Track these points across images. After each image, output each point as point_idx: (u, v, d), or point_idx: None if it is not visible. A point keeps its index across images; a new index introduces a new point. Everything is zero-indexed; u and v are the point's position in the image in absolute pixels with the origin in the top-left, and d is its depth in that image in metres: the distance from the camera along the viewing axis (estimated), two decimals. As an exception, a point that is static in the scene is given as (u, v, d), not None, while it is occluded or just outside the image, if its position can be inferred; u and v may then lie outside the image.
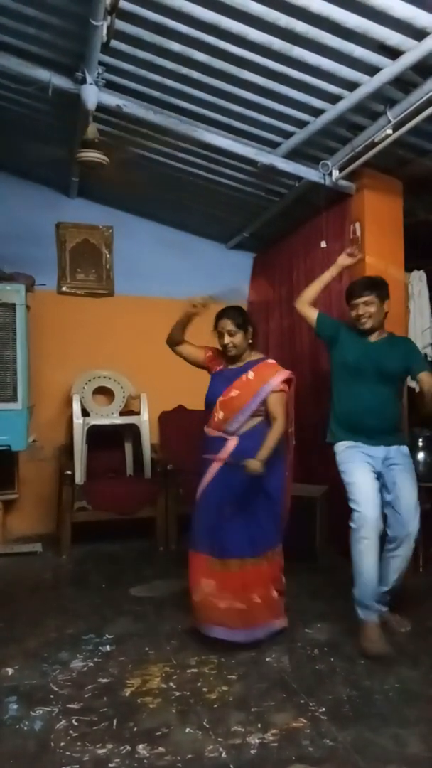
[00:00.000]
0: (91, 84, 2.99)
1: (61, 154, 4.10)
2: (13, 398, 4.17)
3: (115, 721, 2.21)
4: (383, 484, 2.97)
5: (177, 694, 2.41)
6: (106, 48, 2.78)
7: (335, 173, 3.59)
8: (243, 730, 2.15)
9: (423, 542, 3.92)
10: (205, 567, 2.89)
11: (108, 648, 2.83)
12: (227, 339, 3.02)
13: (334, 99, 3.04)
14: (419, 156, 3.54)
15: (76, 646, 2.84)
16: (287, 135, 3.48)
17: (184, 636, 2.95)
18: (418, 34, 2.50)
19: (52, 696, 2.39)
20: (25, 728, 2.17)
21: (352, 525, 2.83)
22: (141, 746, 2.05)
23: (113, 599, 3.45)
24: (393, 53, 2.63)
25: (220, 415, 3.02)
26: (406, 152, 3.50)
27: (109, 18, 2.49)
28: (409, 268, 4.16)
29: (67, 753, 2.02)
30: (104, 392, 4.95)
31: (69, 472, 4.30)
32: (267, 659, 2.70)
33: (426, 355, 4.33)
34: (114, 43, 2.78)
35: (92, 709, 2.30)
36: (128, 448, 4.95)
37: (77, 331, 5.00)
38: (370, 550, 2.79)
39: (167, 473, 4.48)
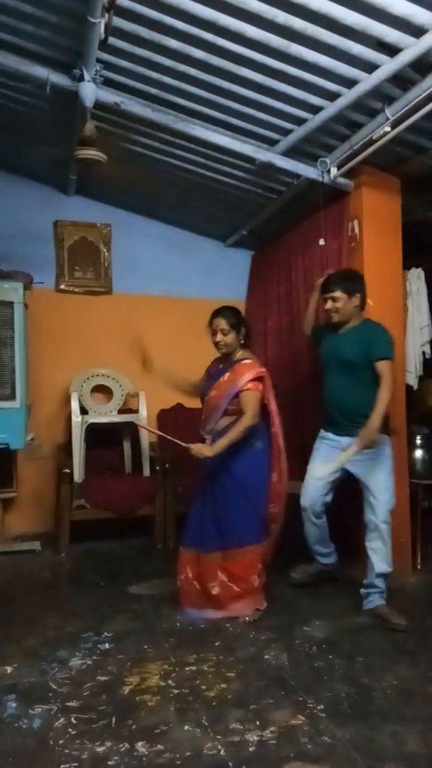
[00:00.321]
0: (89, 81, 2.99)
1: (59, 152, 4.09)
2: (12, 396, 4.16)
3: (113, 719, 2.21)
4: (353, 474, 3.16)
5: (175, 691, 2.41)
6: (103, 45, 2.77)
7: (333, 171, 3.58)
8: (241, 727, 2.15)
9: (420, 540, 3.94)
10: (188, 558, 3.25)
11: (107, 646, 2.83)
12: (219, 337, 3.20)
13: (333, 96, 3.03)
14: (417, 153, 3.54)
15: (75, 644, 2.84)
16: (285, 132, 3.47)
17: (182, 634, 2.95)
18: (417, 31, 2.49)
19: (50, 694, 2.39)
20: (24, 726, 2.17)
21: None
22: (140, 744, 2.05)
23: (112, 597, 3.45)
24: (391, 50, 2.63)
25: (203, 414, 3.29)
26: (405, 150, 3.50)
27: (106, 15, 2.49)
28: (407, 266, 4.15)
29: (66, 751, 2.02)
30: (103, 390, 4.94)
31: (67, 471, 4.30)
32: (265, 657, 2.71)
33: (424, 353, 4.35)
34: (112, 40, 2.77)
35: (91, 707, 2.30)
36: (127, 446, 4.94)
37: (75, 329, 4.99)
38: (306, 521, 3.36)
39: (166, 471, 4.48)
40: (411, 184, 3.86)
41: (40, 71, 3.01)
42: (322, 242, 3.91)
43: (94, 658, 2.71)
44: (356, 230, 3.78)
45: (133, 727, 2.16)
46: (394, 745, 2.05)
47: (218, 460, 3.06)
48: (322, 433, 3.37)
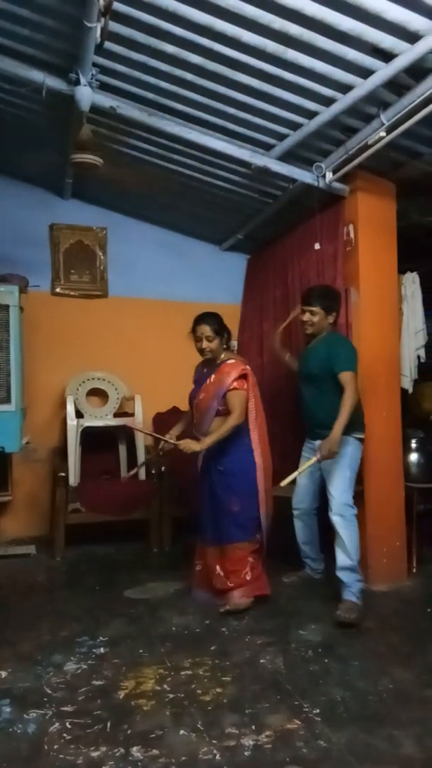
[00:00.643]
0: (84, 85, 2.99)
1: (55, 156, 4.10)
2: (7, 400, 4.16)
3: (108, 724, 2.20)
4: (323, 472, 3.41)
5: (171, 696, 2.40)
6: (100, 49, 2.78)
7: (329, 175, 3.59)
8: (237, 731, 2.15)
9: (416, 543, 3.95)
10: (199, 549, 3.48)
11: (102, 650, 2.82)
12: (204, 344, 3.31)
13: (328, 101, 3.05)
14: (412, 158, 3.55)
15: (70, 648, 2.84)
16: (281, 137, 3.48)
17: (178, 638, 2.95)
18: (411, 37, 2.51)
19: (45, 699, 2.38)
20: (19, 731, 2.16)
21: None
22: (135, 749, 2.05)
23: (107, 601, 3.44)
24: (386, 56, 2.64)
25: (195, 417, 3.43)
26: (399, 155, 3.51)
27: (102, 19, 2.49)
28: (402, 270, 4.17)
29: (61, 756, 2.01)
30: (98, 394, 4.94)
31: (63, 474, 4.29)
32: (261, 661, 2.70)
33: (419, 357, 4.36)
34: (108, 44, 2.78)
35: (86, 711, 2.29)
36: (122, 449, 4.93)
37: (71, 333, 4.99)
38: (296, 518, 3.65)
39: (161, 475, 4.47)
40: (406, 189, 3.87)
41: (36, 75, 3.01)
42: (317, 246, 3.92)
43: (90, 662, 2.70)
44: (351, 235, 3.80)
45: (129, 731, 2.15)
46: (390, 749, 2.05)
47: (209, 457, 3.28)
48: (306, 440, 3.63)
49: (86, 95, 3.01)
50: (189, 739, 2.11)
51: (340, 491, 3.29)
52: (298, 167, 3.68)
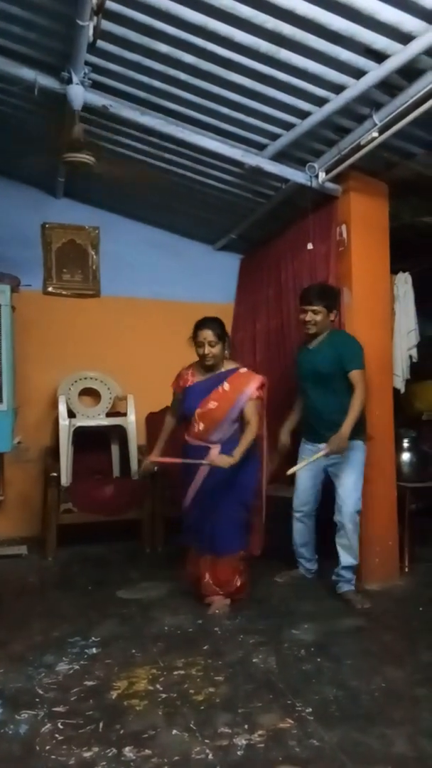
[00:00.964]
0: (77, 84, 2.98)
1: (47, 154, 4.08)
2: (-2, 399, 4.14)
3: (101, 724, 2.19)
4: (330, 475, 3.44)
5: (164, 696, 2.40)
6: (92, 48, 2.77)
7: (322, 175, 3.60)
8: (230, 731, 2.15)
9: (408, 543, 3.96)
10: (195, 557, 3.39)
11: (94, 650, 2.81)
12: (207, 349, 3.20)
13: (321, 102, 3.06)
14: (405, 159, 3.57)
15: (62, 649, 2.82)
16: (274, 137, 3.49)
17: (170, 638, 2.94)
18: (404, 38, 2.52)
19: (37, 699, 2.37)
20: (10, 732, 2.15)
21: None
22: (127, 749, 2.04)
23: (99, 602, 3.43)
24: (379, 57, 2.65)
25: (200, 426, 3.25)
26: (392, 155, 3.53)
27: (95, 18, 2.48)
28: (394, 270, 4.18)
29: (53, 756, 2.00)
30: (91, 393, 4.92)
31: (55, 474, 4.27)
32: (254, 660, 2.70)
33: (411, 357, 4.38)
34: (101, 43, 2.77)
35: (78, 712, 2.28)
36: (115, 449, 4.92)
37: (63, 332, 4.97)
38: (296, 520, 3.62)
39: (154, 475, 4.46)
40: (398, 189, 3.89)
41: (27, 73, 3.00)
42: (310, 246, 3.93)
43: (82, 662, 2.69)
44: (344, 235, 3.81)
45: (121, 731, 2.15)
46: (382, 748, 2.05)
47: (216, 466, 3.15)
48: (303, 441, 3.62)
49: (79, 94, 3.00)
50: (182, 738, 2.11)
51: (353, 499, 3.34)
52: (290, 167, 3.68)
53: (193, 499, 3.32)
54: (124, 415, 4.72)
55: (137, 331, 5.17)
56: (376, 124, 3.05)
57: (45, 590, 3.71)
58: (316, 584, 3.62)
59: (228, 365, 3.31)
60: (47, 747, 2.06)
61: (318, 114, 3.12)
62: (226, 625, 3.08)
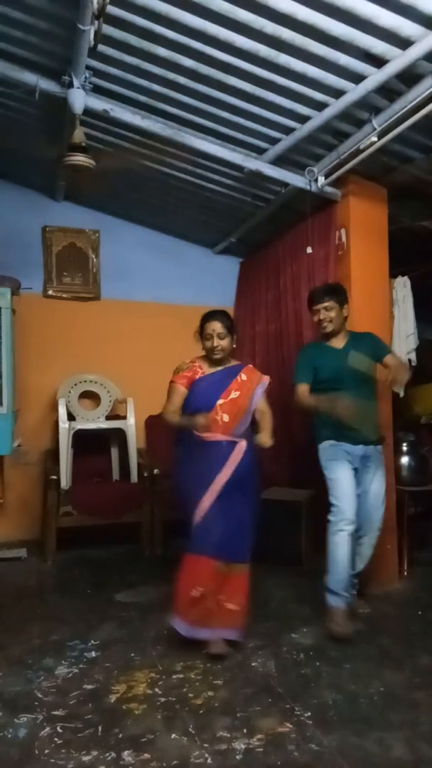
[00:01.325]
0: (78, 88, 2.99)
1: (48, 158, 4.08)
2: (-2, 402, 4.14)
3: (100, 728, 2.19)
4: (357, 479, 3.18)
5: (162, 699, 2.40)
6: (93, 52, 2.78)
7: (321, 180, 3.61)
8: (229, 735, 2.15)
9: (407, 546, 3.96)
10: (212, 569, 2.83)
11: (93, 654, 2.81)
12: (216, 342, 3.01)
13: (320, 106, 3.07)
14: (403, 163, 3.58)
15: (61, 652, 2.82)
16: (274, 141, 3.50)
17: (169, 641, 2.93)
18: (403, 43, 2.53)
19: (36, 703, 2.37)
20: (9, 736, 2.15)
21: (331, 518, 3.05)
22: (126, 753, 2.04)
23: (98, 605, 3.43)
24: (378, 62, 2.66)
25: (224, 418, 2.96)
26: (391, 159, 3.54)
27: (96, 22, 2.50)
28: (393, 274, 4.19)
29: (52, 760, 2.00)
30: (90, 396, 4.93)
31: (54, 477, 4.27)
32: (252, 664, 2.70)
33: (410, 360, 4.38)
34: (101, 47, 2.78)
35: (77, 715, 2.28)
36: (114, 452, 4.93)
37: (63, 335, 4.98)
38: (344, 541, 3.00)
39: (153, 478, 4.47)
40: (397, 193, 3.90)
41: (29, 77, 3.01)
42: (309, 250, 3.94)
43: (81, 666, 2.69)
44: (343, 239, 3.81)
45: (120, 735, 2.14)
46: (381, 752, 2.05)
47: (242, 465, 2.93)
48: (332, 444, 3.17)
49: (79, 98, 3.02)
50: (180, 742, 2.10)
51: (383, 507, 3.25)
52: (290, 171, 3.69)
53: (212, 504, 2.89)
54: (124, 418, 4.72)
55: (137, 334, 5.18)
56: (375, 129, 3.06)
57: (44, 593, 3.70)
58: (314, 589, 3.60)
59: (234, 361, 3.17)
60: (46, 751, 2.05)
61: (317, 118, 3.13)
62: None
